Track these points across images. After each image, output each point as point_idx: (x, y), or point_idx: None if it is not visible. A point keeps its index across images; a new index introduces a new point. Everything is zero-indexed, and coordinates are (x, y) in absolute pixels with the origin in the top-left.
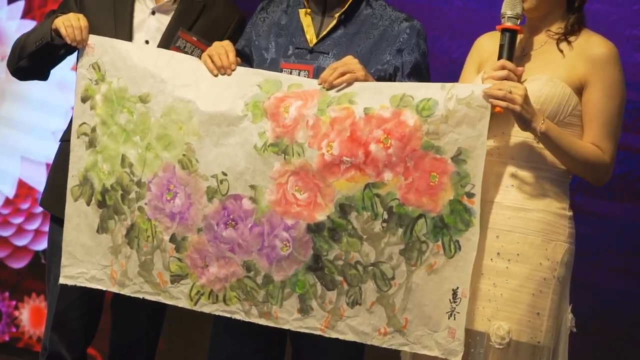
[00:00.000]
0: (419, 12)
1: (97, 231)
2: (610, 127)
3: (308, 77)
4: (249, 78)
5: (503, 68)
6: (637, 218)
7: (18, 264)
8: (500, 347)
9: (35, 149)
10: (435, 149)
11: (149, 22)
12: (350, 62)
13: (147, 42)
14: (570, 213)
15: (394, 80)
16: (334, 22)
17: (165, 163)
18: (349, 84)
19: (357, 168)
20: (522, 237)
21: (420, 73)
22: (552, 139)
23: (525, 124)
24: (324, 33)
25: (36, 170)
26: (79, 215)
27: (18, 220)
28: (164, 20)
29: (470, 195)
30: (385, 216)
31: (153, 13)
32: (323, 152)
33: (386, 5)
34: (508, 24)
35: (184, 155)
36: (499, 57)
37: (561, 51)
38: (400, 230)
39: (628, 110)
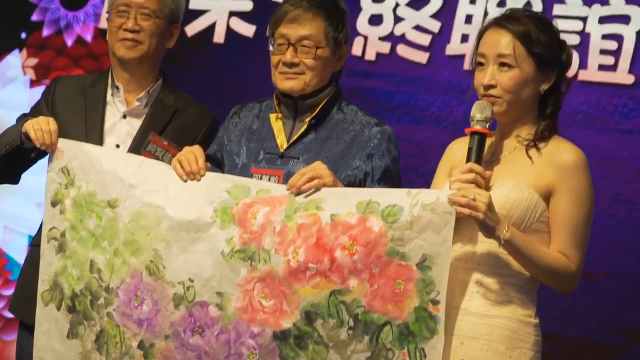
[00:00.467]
0: None
1: (67, 336)
2: (577, 236)
3: (278, 182)
4: (217, 184)
5: (471, 171)
6: None
7: None
8: None
9: None
10: (400, 255)
11: (120, 126)
12: (319, 168)
13: (117, 146)
14: (537, 321)
15: (364, 186)
16: (305, 126)
17: (133, 269)
18: (317, 189)
19: (323, 275)
20: (486, 344)
21: (390, 178)
22: (516, 247)
23: (489, 231)
24: (295, 138)
25: None
26: (49, 320)
27: None
28: (135, 124)
29: (435, 302)
30: (351, 323)
31: (124, 117)
32: (289, 258)
33: (357, 110)
34: (477, 127)
35: (151, 261)
36: (467, 160)
37: (530, 157)
38: (367, 338)
39: None
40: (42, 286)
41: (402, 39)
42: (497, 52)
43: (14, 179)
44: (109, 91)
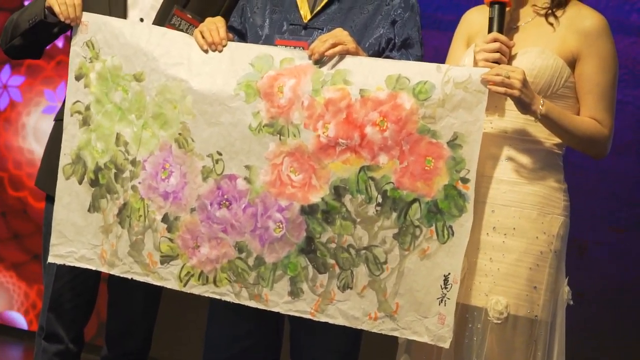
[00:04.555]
0: None
1: (89, 210)
2: (606, 100)
3: (305, 51)
4: (241, 55)
5: (495, 40)
6: None
7: None
8: (499, 321)
9: None
10: (432, 133)
11: (144, 0)
12: (341, 34)
13: (141, 19)
14: (565, 186)
15: (387, 53)
16: None
17: (162, 142)
18: (341, 57)
19: (353, 150)
20: (518, 211)
21: (412, 46)
22: (552, 120)
23: (525, 107)
24: (318, 9)
25: None
26: (70, 194)
27: None
28: None
29: (465, 180)
30: (380, 200)
31: None
32: (319, 133)
33: None
34: None
35: (180, 134)
36: (490, 30)
37: (551, 24)
38: (394, 214)
39: None
40: (64, 159)
41: None
42: None
43: (37, 54)
44: None
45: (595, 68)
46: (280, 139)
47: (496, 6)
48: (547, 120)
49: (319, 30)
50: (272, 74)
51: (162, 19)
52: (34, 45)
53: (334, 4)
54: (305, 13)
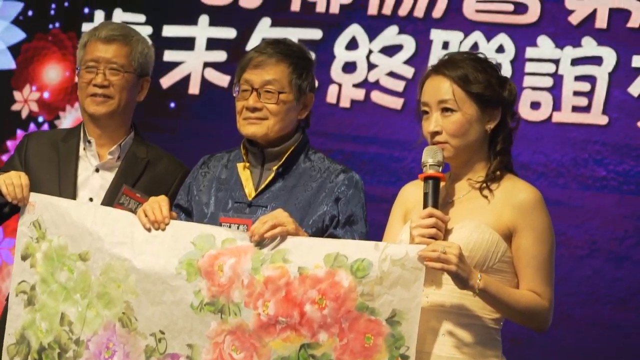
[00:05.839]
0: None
1: None
2: (544, 272)
3: (246, 232)
4: (183, 233)
5: (430, 216)
6: None
7: None
8: None
9: None
10: (370, 311)
11: (93, 180)
12: (280, 215)
13: (91, 199)
14: (504, 359)
15: (331, 230)
16: (272, 175)
17: (107, 321)
18: (282, 238)
19: (293, 328)
20: None
21: (356, 223)
22: (491, 294)
23: (462, 282)
24: (262, 186)
25: None
26: None
27: None
28: (108, 177)
29: (404, 357)
30: None
31: (97, 170)
32: (259, 312)
33: (325, 158)
34: (430, 172)
35: (123, 313)
36: (425, 205)
37: (485, 197)
38: None
39: None
40: (8, 339)
41: (376, 85)
42: (438, 98)
43: None
44: (82, 145)
45: (532, 241)
46: (221, 317)
47: (430, 181)
48: (485, 295)
49: (263, 208)
50: (212, 253)
51: (111, 198)
52: None
53: (278, 182)
54: (250, 191)
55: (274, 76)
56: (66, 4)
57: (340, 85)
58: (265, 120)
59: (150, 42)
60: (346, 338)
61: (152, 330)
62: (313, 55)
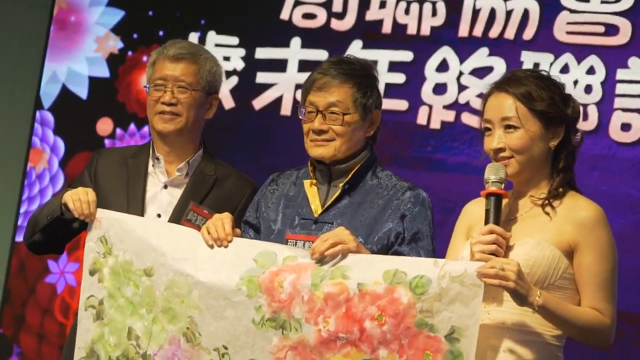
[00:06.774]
0: None
1: None
2: (606, 290)
3: (308, 249)
4: (245, 250)
5: (491, 232)
6: None
7: None
8: None
9: None
10: (429, 327)
11: (161, 196)
12: (341, 233)
13: (159, 215)
14: None
15: (396, 247)
16: (339, 192)
17: (171, 336)
18: (343, 255)
19: (353, 344)
20: None
21: (422, 240)
22: (550, 311)
23: (521, 299)
24: (329, 203)
25: None
26: None
27: None
28: (176, 194)
29: None
30: None
31: (165, 187)
32: (320, 327)
33: (392, 175)
34: (492, 189)
35: (187, 328)
36: (486, 222)
37: (547, 214)
38: None
39: None
40: (79, 353)
41: (467, 106)
42: (501, 115)
43: (59, 249)
44: (150, 162)
45: (594, 258)
46: (282, 333)
47: (492, 198)
48: (545, 312)
49: (329, 225)
50: (273, 270)
51: (179, 214)
52: (53, 241)
53: (344, 199)
54: (316, 207)
55: (338, 97)
56: (161, 32)
57: (430, 107)
58: (332, 141)
59: (217, 60)
60: (405, 354)
61: (215, 345)
62: (377, 72)
